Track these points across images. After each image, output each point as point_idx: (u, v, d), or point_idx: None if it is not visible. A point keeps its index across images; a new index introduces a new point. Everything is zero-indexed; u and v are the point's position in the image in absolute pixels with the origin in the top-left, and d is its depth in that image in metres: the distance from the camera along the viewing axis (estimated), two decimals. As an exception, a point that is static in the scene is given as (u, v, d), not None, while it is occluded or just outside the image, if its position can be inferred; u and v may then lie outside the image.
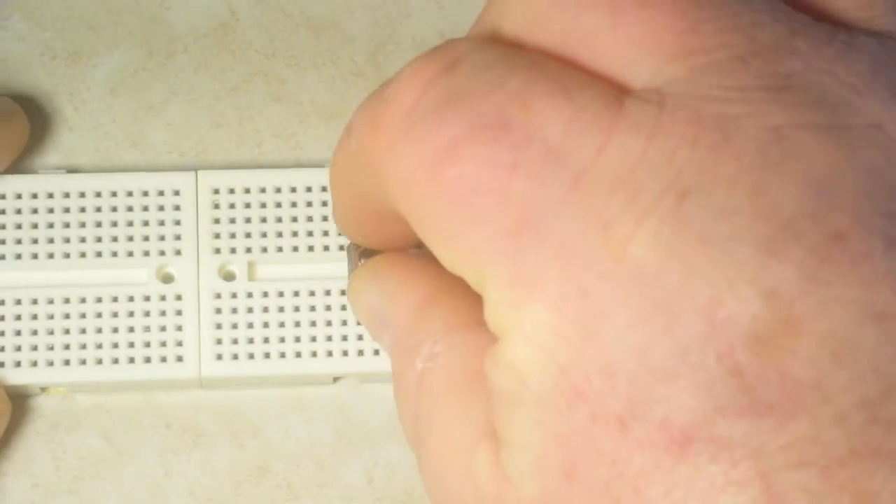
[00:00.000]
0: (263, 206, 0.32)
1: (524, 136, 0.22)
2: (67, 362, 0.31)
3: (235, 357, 0.32)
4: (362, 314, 0.29)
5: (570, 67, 0.23)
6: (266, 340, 0.32)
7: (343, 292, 0.32)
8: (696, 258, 0.21)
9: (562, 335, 0.22)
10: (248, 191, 0.33)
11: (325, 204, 0.33)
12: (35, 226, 0.32)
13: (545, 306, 0.22)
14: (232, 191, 0.32)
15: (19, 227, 0.32)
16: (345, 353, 0.32)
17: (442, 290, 0.26)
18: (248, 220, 0.32)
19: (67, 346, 0.31)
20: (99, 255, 0.32)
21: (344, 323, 0.32)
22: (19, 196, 0.32)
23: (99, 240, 0.32)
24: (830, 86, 0.22)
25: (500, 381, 0.23)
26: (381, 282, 0.28)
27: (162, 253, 0.32)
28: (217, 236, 0.32)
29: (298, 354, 0.32)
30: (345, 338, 0.32)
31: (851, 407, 0.20)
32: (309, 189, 0.33)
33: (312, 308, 0.32)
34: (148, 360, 0.31)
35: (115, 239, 0.32)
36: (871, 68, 0.22)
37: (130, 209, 0.32)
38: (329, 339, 0.32)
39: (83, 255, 0.32)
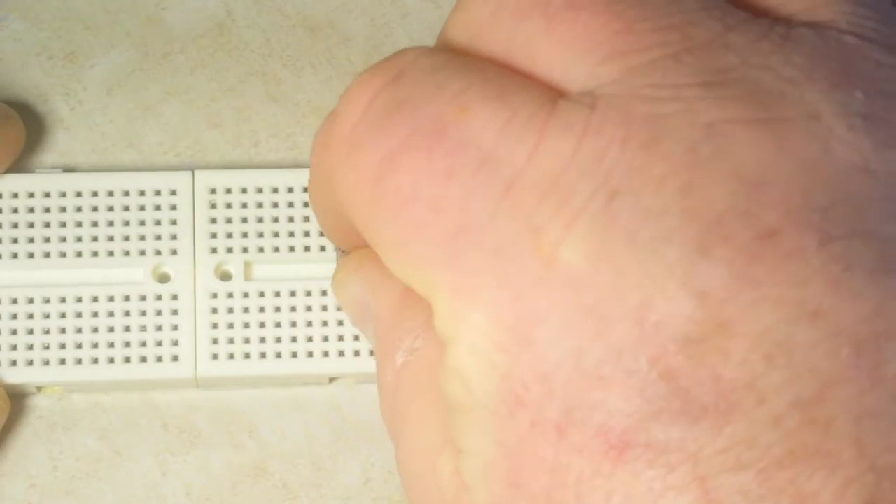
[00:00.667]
0: (260, 206, 0.32)
1: (459, 142, 0.22)
2: (63, 361, 0.31)
3: (231, 357, 0.32)
4: (346, 305, 0.29)
5: (511, 72, 0.23)
6: (262, 340, 0.32)
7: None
8: (625, 260, 0.21)
9: (499, 342, 0.22)
10: (244, 191, 0.32)
11: (321, 204, 0.33)
12: (31, 225, 0.32)
13: (483, 314, 0.22)
14: (228, 191, 0.32)
15: (15, 226, 0.32)
16: (341, 354, 0.32)
17: None
18: (244, 220, 0.32)
19: (63, 346, 0.31)
20: (95, 254, 0.32)
21: (340, 323, 0.32)
22: (15, 195, 0.32)
23: (95, 239, 0.32)
24: (766, 79, 0.22)
25: (448, 388, 0.23)
26: (365, 273, 0.28)
27: (158, 252, 0.32)
28: (213, 236, 0.32)
29: (295, 355, 0.32)
30: (341, 338, 0.32)
31: (787, 408, 0.20)
32: (305, 189, 0.32)
33: (309, 308, 0.32)
34: (144, 359, 0.31)
35: (111, 238, 0.32)
36: (809, 59, 0.22)
37: (127, 209, 0.32)
38: (325, 339, 0.32)
39: (79, 254, 0.32)
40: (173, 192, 0.32)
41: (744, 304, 0.20)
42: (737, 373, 0.20)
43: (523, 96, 0.22)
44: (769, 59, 0.22)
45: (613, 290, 0.21)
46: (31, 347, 0.31)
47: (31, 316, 0.32)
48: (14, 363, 0.31)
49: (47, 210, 0.32)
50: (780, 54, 0.22)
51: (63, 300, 0.32)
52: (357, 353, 0.32)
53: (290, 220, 0.32)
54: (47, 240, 0.32)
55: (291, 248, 0.32)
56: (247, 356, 0.32)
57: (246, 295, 0.32)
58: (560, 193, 0.21)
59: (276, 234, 0.32)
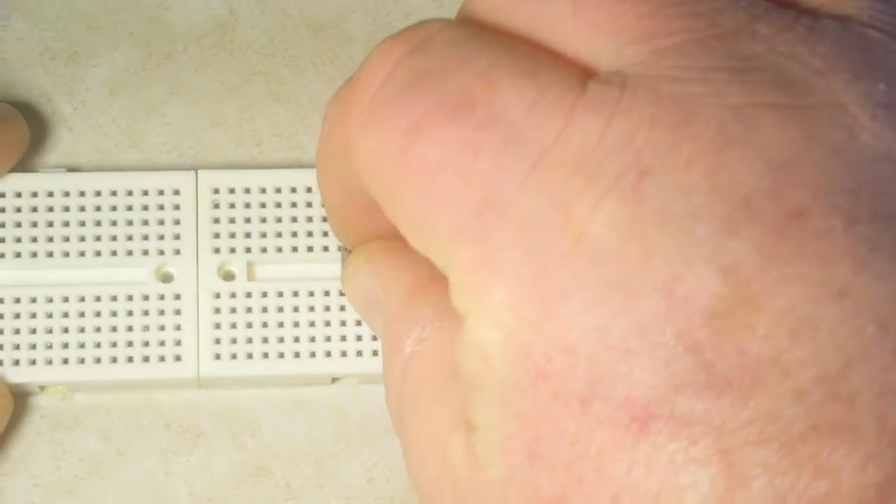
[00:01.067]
0: (263, 206, 0.32)
1: (488, 116, 0.22)
2: (66, 361, 0.31)
3: (234, 357, 0.32)
4: (355, 298, 0.29)
5: (538, 50, 0.23)
6: (265, 340, 0.32)
7: (342, 293, 0.32)
8: (654, 237, 0.21)
9: (523, 315, 0.22)
10: (247, 191, 0.33)
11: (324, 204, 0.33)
12: (34, 224, 0.32)
13: (507, 287, 0.22)
14: (231, 191, 0.32)
15: (19, 225, 0.32)
16: (343, 354, 0.32)
17: (435, 276, 0.26)
18: (247, 220, 0.32)
19: (66, 345, 0.31)
20: (98, 254, 0.32)
21: (343, 323, 0.32)
22: (19, 195, 0.32)
23: (98, 239, 0.32)
24: (792, 67, 0.22)
25: (466, 363, 0.23)
26: (374, 266, 0.28)
27: (161, 252, 0.32)
28: (216, 236, 0.32)
29: (297, 355, 0.32)
30: (343, 338, 0.32)
31: (811, 383, 0.20)
32: (309, 189, 0.33)
33: (311, 308, 0.32)
34: (146, 359, 0.31)
35: (114, 238, 0.32)
36: (834, 51, 0.22)
37: (130, 208, 0.32)
38: (328, 339, 0.32)
39: (82, 254, 0.32)
40: (176, 192, 0.32)
41: (770, 280, 0.21)
42: (762, 347, 0.20)
43: (553, 75, 0.22)
44: (795, 49, 0.22)
45: (642, 265, 0.21)
46: (34, 347, 0.31)
47: (34, 315, 0.32)
48: (17, 363, 0.31)
49: (51, 210, 0.32)
50: (806, 44, 0.22)
51: (66, 300, 0.32)
52: (360, 354, 0.32)
53: (293, 220, 0.32)
54: (51, 239, 0.32)
55: (294, 249, 0.32)
56: (249, 356, 0.32)
57: (249, 295, 0.32)
58: (590, 171, 0.21)
59: (279, 235, 0.32)
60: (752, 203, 0.21)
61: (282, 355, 0.32)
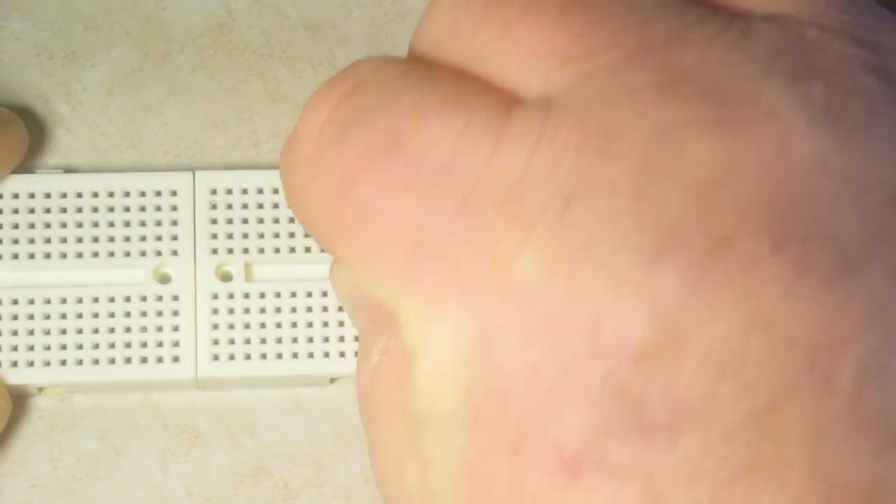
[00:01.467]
0: (261, 206, 0.32)
1: (416, 154, 0.22)
2: (64, 362, 0.31)
3: (232, 358, 0.32)
4: (340, 293, 0.29)
5: (469, 79, 0.23)
6: (263, 341, 0.32)
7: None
8: (579, 271, 0.20)
9: (462, 357, 0.21)
10: (245, 191, 0.32)
11: (322, 204, 0.32)
12: (32, 226, 0.32)
13: (446, 328, 0.21)
14: (229, 191, 0.32)
15: (16, 226, 0.32)
16: (342, 354, 0.32)
17: None
18: (245, 221, 0.32)
19: (64, 347, 0.31)
20: (96, 255, 0.32)
21: (341, 324, 0.32)
22: (16, 196, 0.32)
23: (96, 240, 0.32)
24: (725, 76, 0.21)
25: (413, 402, 0.22)
26: None
27: (159, 253, 0.32)
28: (214, 237, 0.32)
29: (295, 355, 0.32)
30: (342, 339, 0.32)
31: (740, 420, 0.20)
32: (306, 189, 0.33)
33: (309, 309, 0.32)
34: (144, 360, 0.31)
35: (111, 239, 0.32)
36: (769, 53, 0.21)
37: (127, 209, 0.32)
38: (326, 340, 0.32)
39: (80, 255, 0.32)
40: (174, 193, 0.32)
41: (696, 315, 0.20)
42: (689, 386, 0.20)
43: (480, 103, 0.22)
44: (728, 55, 0.21)
45: (568, 303, 0.20)
46: (32, 348, 0.31)
47: (31, 317, 0.32)
48: (15, 364, 0.31)
49: (48, 211, 0.32)
50: (739, 49, 0.21)
51: (64, 301, 0.32)
52: (357, 354, 0.32)
53: (291, 220, 0.32)
54: (48, 241, 0.32)
55: (292, 249, 0.32)
56: (247, 357, 0.32)
57: (246, 296, 0.32)
58: (515, 204, 0.21)
59: (277, 235, 0.32)
60: (677, 231, 0.20)
61: (280, 356, 0.32)
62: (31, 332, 0.31)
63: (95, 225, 0.32)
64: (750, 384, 0.20)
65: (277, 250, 0.32)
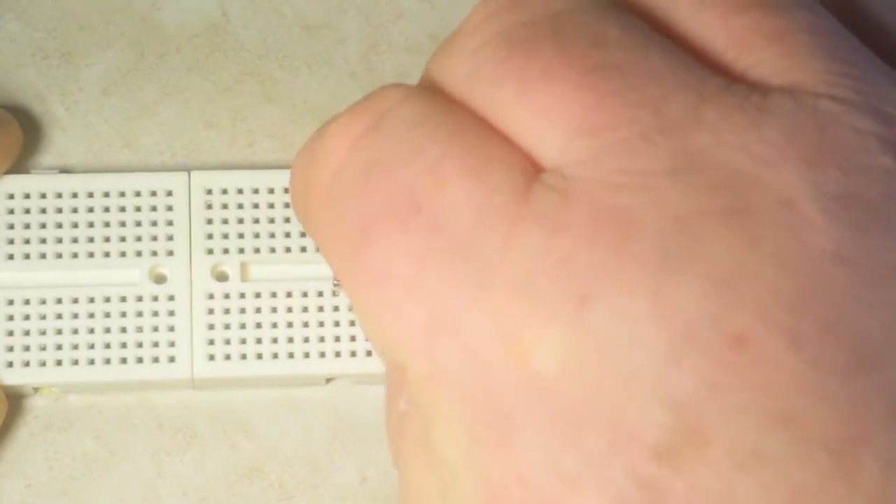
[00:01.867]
0: (256, 206, 0.32)
1: (434, 223, 0.22)
2: (60, 362, 0.31)
3: (228, 357, 0.32)
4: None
5: (489, 137, 0.23)
6: (258, 341, 0.32)
7: (335, 293, 0.32)
8: (596, 368, 0.20)
9: (478, 439, 0.21)
10: (240, 191, 0.32)
11: (317, 204, 0.32)
12: (27, 226, 0.32)
13: (459, 407, 0.22)
14: (225, 191, 0.32)
15: (11, 227, 0.32)
16: (337, 355, 0.32)
17: None
18: (240, 221, 0.32)
19: (60, 347, 0.31)
20: (91, 255, 0.32)
21: (337, 324, 0.32)
22: (11, 196, 0.32)
23: (91, 240, 0.32)
24: (739, 161, 0.21)
25: (438, 469, 0.22)
26: None
27: (154, 253, 0.32)
28: (210, 237, 0.32)
29: (291, 355, 0.32)
30: (337, 339, 0.32)
31: None
32: (301, 189, 0.33)
33: (305, 309, 0.32)
34: (140, 360, 0.31)
35: (107, 239, 0.32)
36: (785, 134, 0.21)
37: (123, 209, 0.32)
38: (322, 340, 0.32)
39: (75, 255, 0.32)
40: (169, 193, 0.32)
41: (715, 412, 0.20)
42: (711, 482, 0.20)
43: (500, 174, 0.22)
44: (743, 136, 0.21)
45: (586, 398, 0.20)
46: (27, 348, 0.31)
47: (27, 317, 0.31)
48: (11, 364, 0.31)
49: (43, 211, 0.32)
50: (755, 129, 0.21)
51: (59, 301, 0.32)
52: (354, 354, 0.32)
53: (287, 220, 0.32)
54: (43, 241, 0.32)
55: (288, 249, 0.32)
56: (243, 357, 0.32)
57: (242, 296, 0.32)
58: (531, 295, 0.21)
59: (273, 235, 0.32)
60: (693, 330, 0.20)
61: (276, 356, 0.32)
62: (27, 333, 0.31)
63: (91, 225, 0.32)
64: (770, 481, 0.20)
65: (273, 250, 0.32)
